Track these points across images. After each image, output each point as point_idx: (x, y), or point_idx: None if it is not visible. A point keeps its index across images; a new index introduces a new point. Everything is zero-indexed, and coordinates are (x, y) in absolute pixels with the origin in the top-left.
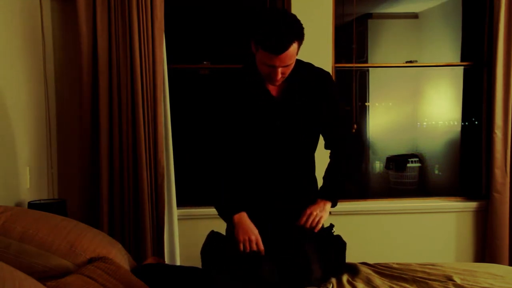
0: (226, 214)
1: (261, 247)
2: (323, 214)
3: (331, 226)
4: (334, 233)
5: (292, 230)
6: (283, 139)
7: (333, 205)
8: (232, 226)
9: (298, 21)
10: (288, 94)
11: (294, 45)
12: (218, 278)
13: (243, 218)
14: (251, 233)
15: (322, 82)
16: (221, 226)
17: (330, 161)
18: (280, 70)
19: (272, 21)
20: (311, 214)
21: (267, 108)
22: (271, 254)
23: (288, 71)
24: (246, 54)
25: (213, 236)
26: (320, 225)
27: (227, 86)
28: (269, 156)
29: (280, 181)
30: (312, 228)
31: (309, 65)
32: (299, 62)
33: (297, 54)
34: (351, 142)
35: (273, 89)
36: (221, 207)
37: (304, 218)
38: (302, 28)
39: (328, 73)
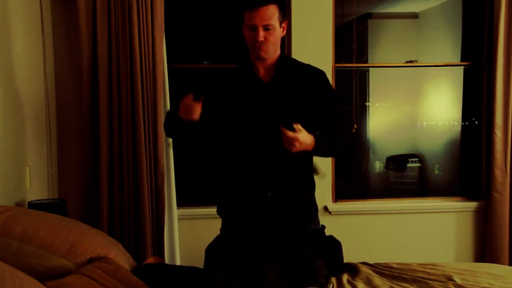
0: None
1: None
2: (301, 146)
3: (323, 227)
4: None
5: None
6: (273, 127)
7: (314, 149)
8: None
9: None
10: (278, 80)
11: (273, 8)
12: (219, 278)
13: None
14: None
15: (317, 76)
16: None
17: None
18: (262, 33)
19: None
20: (295, 136)
21: (256, 93)
22: (271, 258)
23: (271, 38)
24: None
25: (221, 237)
26: (293, 146)
27: (220, 76)
28: (258, 147)
29: (270, 177)
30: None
31: (306, 64)
32: (294, 59)
33: (280, 25)
34: (350, 141)
35: (264, 77)
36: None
37: (289, 132)
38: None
39: (323, 71)
